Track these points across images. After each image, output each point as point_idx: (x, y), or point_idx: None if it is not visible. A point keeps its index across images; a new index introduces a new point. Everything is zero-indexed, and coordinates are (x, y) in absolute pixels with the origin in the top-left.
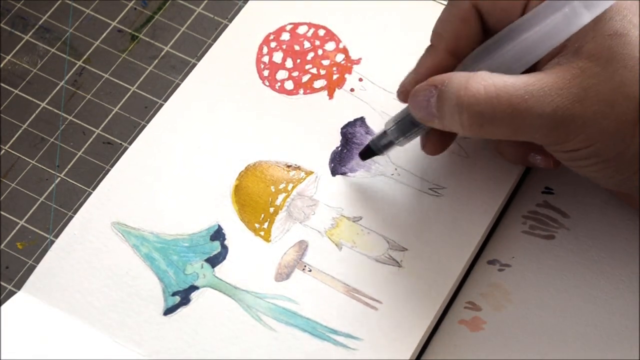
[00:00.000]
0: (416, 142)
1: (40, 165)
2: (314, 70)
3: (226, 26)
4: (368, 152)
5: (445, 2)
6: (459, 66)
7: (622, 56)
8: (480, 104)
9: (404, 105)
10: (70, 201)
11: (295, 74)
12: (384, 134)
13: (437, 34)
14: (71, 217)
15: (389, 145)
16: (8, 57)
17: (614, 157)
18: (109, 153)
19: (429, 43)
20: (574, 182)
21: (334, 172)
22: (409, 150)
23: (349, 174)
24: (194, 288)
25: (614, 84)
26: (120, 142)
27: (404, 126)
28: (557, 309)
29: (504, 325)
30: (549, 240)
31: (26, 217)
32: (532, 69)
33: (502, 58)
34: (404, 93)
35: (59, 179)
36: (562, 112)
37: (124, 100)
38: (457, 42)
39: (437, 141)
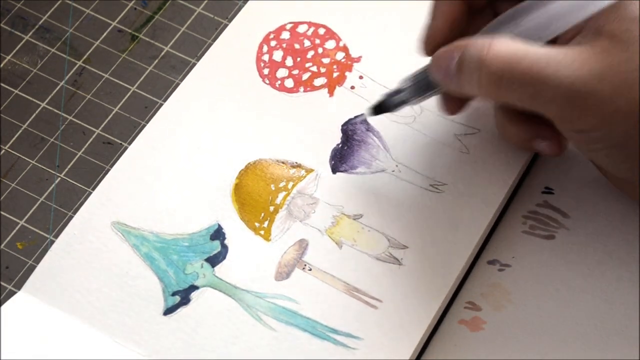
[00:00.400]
0: (416, 140)
1: (40, 165)
2: (314, 68)
3: (226, 26)
4: (379, 108)
5: None
6: (482, 31)
7: None
8: (501, 64)
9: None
10: (70, 201)
11: (295, 72)
12: (398, 91)
13: None
14: (71, 217)
15: (402, 103)
16: (8, 57)
17: (624, 142)
18: (109, 153)
19: (421, 35)
20: (574, 182)
21: (334, 170)
22: (410, 147)
23: (349, 171)
24: (194, 288)
25: (632, 66)
26: (120, 142)
27: (421, 85)
28: (557, 309)
29: (504, 325)
30: (549, 240)
31: (26, 217)
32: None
33: (525, 27)
34: (425, 44)
35: (59, 179)
36: (580, 85)
37: (124, 100)
38: None
39: (456, 100)
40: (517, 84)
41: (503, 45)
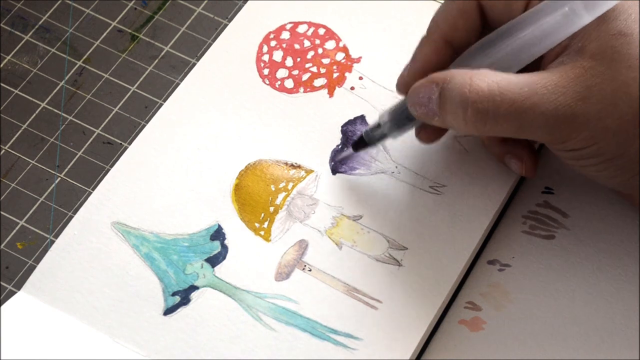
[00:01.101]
0: (416, 142)
1: (40, 165)
2: (314, 69)
3: (226, 26)
4: (360, 143)
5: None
6: (456, 61)
7: (626, 56)
8: (484, 101)
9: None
10: (70, 201)
11: (295, 72)
12: (377, 126)
13: (435, 22)
14: (71, 217)
15: (382, 137)
16: (8, 57)
17: (616, 156)
18: (109, 153)
19: (401, 74)
20: (574, 182)
21: (334, 171)
22: (410, 148)
23: (349, 172)
24: (194, 288)
25: (617, 83)
26: (120, 142)
27: (399, 120)
28: (557, 309)
29: (504, 325)
30: (549, 240)
31: (26, 217)
32: (536, 68)
33: (500, 54)
34: (402, 85)
35: (59, 179)
36: (565, 110)
37: (124, 100)
38: (454, 33)
39: (433, 130)
40: (502, 118)
41: (484, 81)
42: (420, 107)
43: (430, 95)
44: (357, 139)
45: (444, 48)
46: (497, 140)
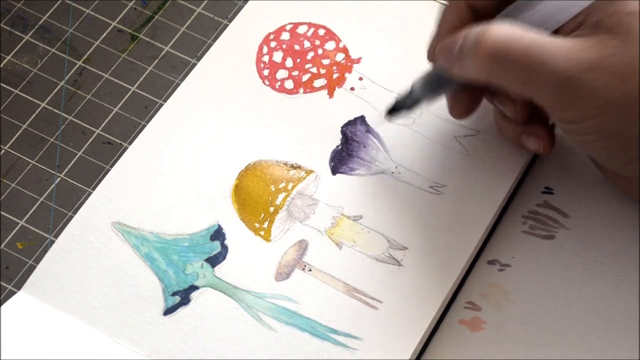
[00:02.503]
0: (416, 142)
1: (40, 165)
2: (314, 70)
3: (226, 26)
4: (394, 109)
5: (445, 2)
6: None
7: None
8: (496, 45)
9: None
10: (70, 201)
11: (295, 73)
12: (410, 92)
13: None
14: (71, 217)
15: (415, 102)
16: (8, 57)
17: (616, 134)
18: (109, 153)
19: (429, 43)
20: (574, 182)
21: (334, 171)
22: (410, 148)
23: (349, 172)
24: (194, 288)
25: (628, 59)
26: (120, 142)
27: (431, 84)
28: (557, 309)
29: (504, 325)
30: (549, 240)
31: (26, 217)
32: None
33: (525, 20)
34: (431, 53)
35: (59, 179)
36: (574, 73)
37: (124, 100)
38: None
39: (464, 103)
40: (511, 66)
41: (501, 29)
42: (443, 58)
43: (454, 45)
44: (390, 106)
45: (467, 13)
46: (512, 121)
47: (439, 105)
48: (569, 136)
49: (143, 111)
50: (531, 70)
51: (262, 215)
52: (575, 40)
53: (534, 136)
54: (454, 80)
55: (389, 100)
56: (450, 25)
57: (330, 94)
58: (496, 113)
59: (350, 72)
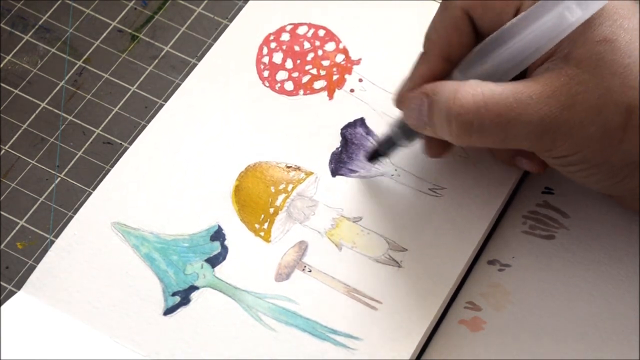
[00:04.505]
0: (414, 144)
1: (40, 165)
2: (314, 71)
3: (226, 26)
4: (374, 155)
5: None
6: (454, 71)
7: (611, 62)
8: (469, 114)
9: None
10: (70, 201)
11: (295, 74)
12: (389, 139)
13: (430, 40)
14: (71, 217)
15: (394, 147)
16: (8, 57)
17: (601, 162)
18: (109, 153)
19: (398, 88)
20: (574, 182)
21: (334, 173)
22: (409, 151)
23: (348, 174)
24: (194, 288)
25: (601, 90)
26: (120, 142)
27: (406, 129)
28: (557, 309)
29: (504, 325)
30: (549, 240)
31: (26, 217)
32: (521, 74)
33: (497, 60)
34: (399, 100)
35: (59, 179)
36: (550, 119)
37: (124, 100)
38: (450, 49)
39: (439, 144)
40: (487, 130)
41: (469, 92)
42: (412, 118)
43: (421, 106)
44: (371, 153)
45: (442, 64)
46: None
47: None
48: (555, 167)
49: (143, 111)
50: (507, 129)
51: (262, 216)
52: (544, 81)
53: (526, 158)
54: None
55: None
56: (423, 76)
57: (330, 96)
58: None
59: (350, 73)
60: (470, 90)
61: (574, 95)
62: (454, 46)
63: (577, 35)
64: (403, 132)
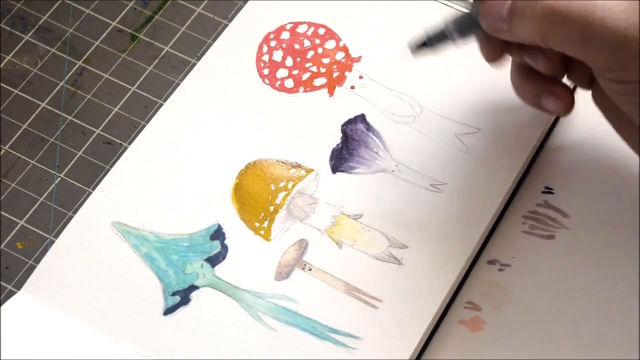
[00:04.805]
0: (416, 140)
1: (40, 165)
2: (314, 69)
3: (226, 26)
4: (421, 45)
5: (446, 2)
6: None
7: None
8: (555, 4)
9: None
10: (70, 201)
11: (295, 72)
12: (441, 30)
13: None
14: (71, 217)
15: (444, 42)
16: (8, 57)
17: None
18: (109, 153)
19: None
20: (574, 182)
21: (334, 170)
22: (410, 146)
23: (349, 171)
24: (193, 288)
25: None
26: (120, 142)
27: (464, 24)
28: (557, 309)
29: (504, 325)
30: (549, 240)
31: (26, 217)
32: None
33: None
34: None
35: (59, 179)
36: (632, 33)
37: (124, 100)
38: None
39: (496, 47)
40: (571, 24)
41: None
42: (491, 17)
43: (502, 6)
44: (417, 41)
45: None
46: (532, 78)
47: (440, 103)
48: (615, 97)
49: (143, 111)
50: (589, 30)
51: (262, 214)
52: (630, 1)
53: (554, 96)
54: None
55: (389, 99)
56: None
57: (331, 93)
58: (515, 74)
59: (350, 70)
60: None
61: None
62: None
63: None
64: (459, 27)
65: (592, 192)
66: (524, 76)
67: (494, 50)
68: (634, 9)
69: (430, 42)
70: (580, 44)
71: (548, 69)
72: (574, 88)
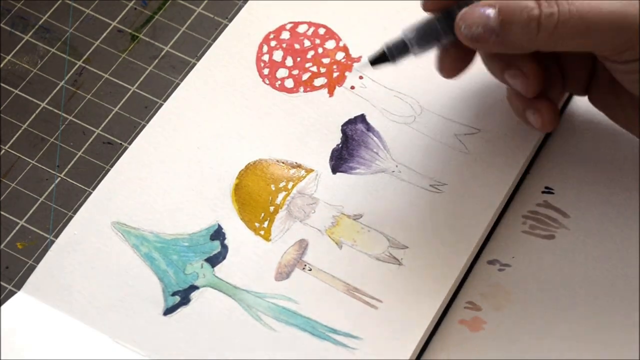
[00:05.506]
0: (416, 140)
1: (40, 165)
2: (314, 69)
3: (226, 26)
4: (380, 58)
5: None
6: None
7: None
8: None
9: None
10: (70, 201)
11: (295, 72)
12: (401, 41)
13: None
14: (71, 217)
15: (404, 53)
16: (8, 57)
17: None
18: (109, 153)
19: None
20: (574, 182)
21: (334, 170)
22: (410, 147)
23: (349, 171)
24: (193, 288)
25: None
26: (120, 142)
27: (425, 37)
28: (557, 309)
29: (504, 325)
30: (549, 240)
31: (26, 217)
32: None
33: None
34: (429, 3)
35: (59, 179)
36: (634, 11)
37: (124, 100)
38: None
39: (456, 59)
40: (573, 18)
41: None
42: (476, 29)
43: (487, 15)
44: (376, 54)
45: None
46: (518, 93)
47: (440, 104)
48: (619, 76)
49: (143, 111)
50: (590, 16)
51: (262, 214)
52: None
53: (537, 112)
54: (450, 33)
55: (389, 99)
56: None
57: (331, 93)
58: (482, 55)
59: (350, 70)
60: None
61: None
62: None
63: None
64: (420, 38)
65: (592, 192)
66: (511, 90)
67: (452, 63)
68: None
69: (390, 52)
70: (584, 34)
71: (527, 89)
72: (570, 97)
